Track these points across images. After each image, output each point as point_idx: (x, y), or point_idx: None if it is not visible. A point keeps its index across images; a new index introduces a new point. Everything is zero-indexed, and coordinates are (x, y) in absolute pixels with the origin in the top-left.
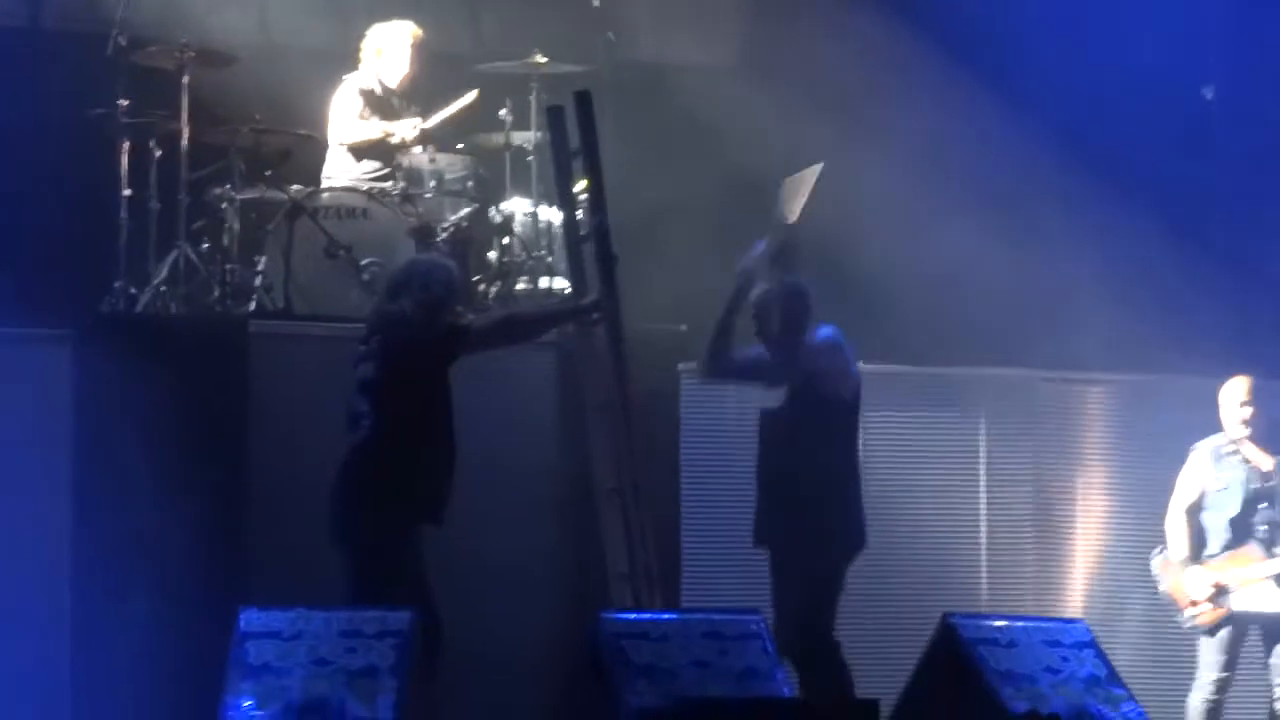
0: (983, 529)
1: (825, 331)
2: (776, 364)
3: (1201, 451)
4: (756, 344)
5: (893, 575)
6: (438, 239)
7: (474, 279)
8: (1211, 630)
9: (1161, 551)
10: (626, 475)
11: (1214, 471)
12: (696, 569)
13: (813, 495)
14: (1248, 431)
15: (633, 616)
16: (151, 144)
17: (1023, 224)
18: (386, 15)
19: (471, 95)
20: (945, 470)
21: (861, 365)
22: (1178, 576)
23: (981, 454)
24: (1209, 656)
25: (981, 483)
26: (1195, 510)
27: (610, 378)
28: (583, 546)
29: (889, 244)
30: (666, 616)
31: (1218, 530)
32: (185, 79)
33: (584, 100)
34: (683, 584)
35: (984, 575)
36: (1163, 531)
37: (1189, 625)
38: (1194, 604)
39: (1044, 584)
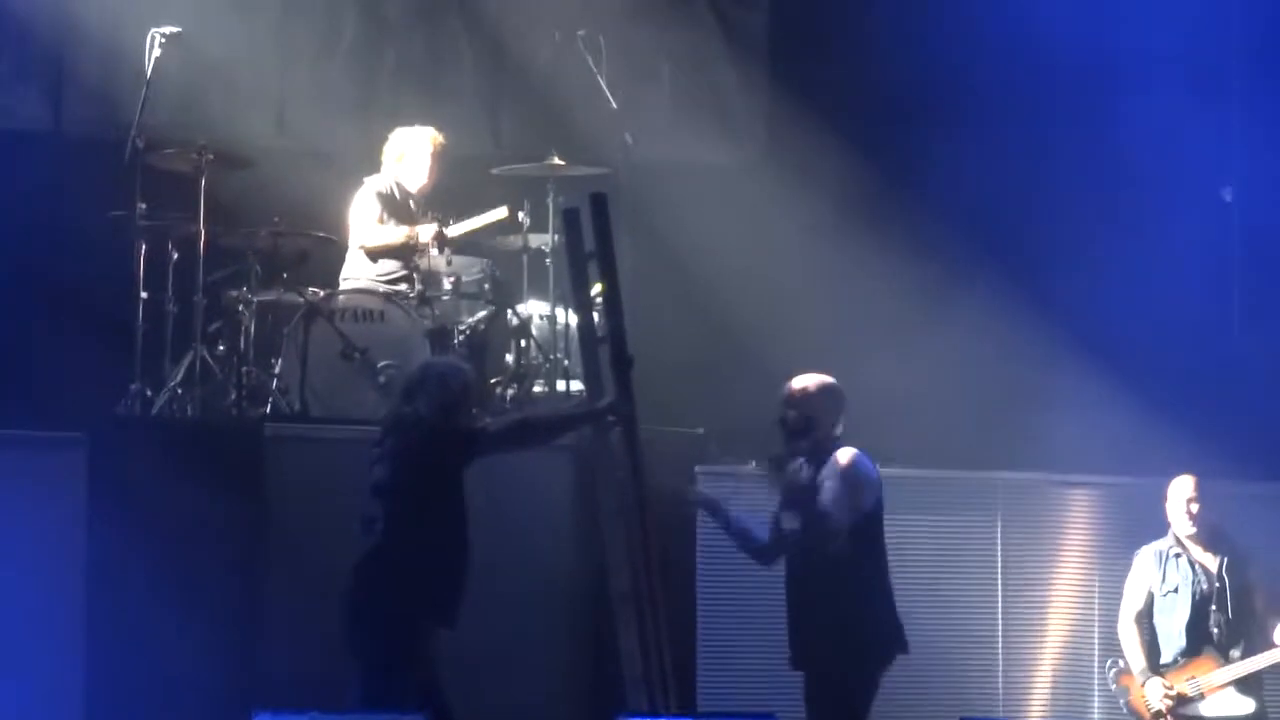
0: (999, 632)
1: (843, 455)
2: (799, 494)
3: (1145, 555)
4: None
5: (909, 679)
6: (454, 341)
7: (491, 381)
8: None
9: (1116, 664)
10: (642, 580)
11: (1159, 575)
12: (711, 672)
13: (844, 609)
14: (1194, 530)
15: None
16: (169, 246)
17: (1029, 326)
18: (407, 119)
19: (500, 213)
20: (962, 573)
21: (880, 469)
22: (1138, 689)
23: (998, 557)
24: None
25: (999, 586)
26: (1145, 616)
27: (626, 482)
28: (598, 649)
29: (895, 346)
30: None
31: (1170, 636)
32: (203, 181)
33: (599, 202)
34: (698, 687)
35: (1000, 679)
36: None
37: None
38: (1157, 716)
39: (1060, 688)
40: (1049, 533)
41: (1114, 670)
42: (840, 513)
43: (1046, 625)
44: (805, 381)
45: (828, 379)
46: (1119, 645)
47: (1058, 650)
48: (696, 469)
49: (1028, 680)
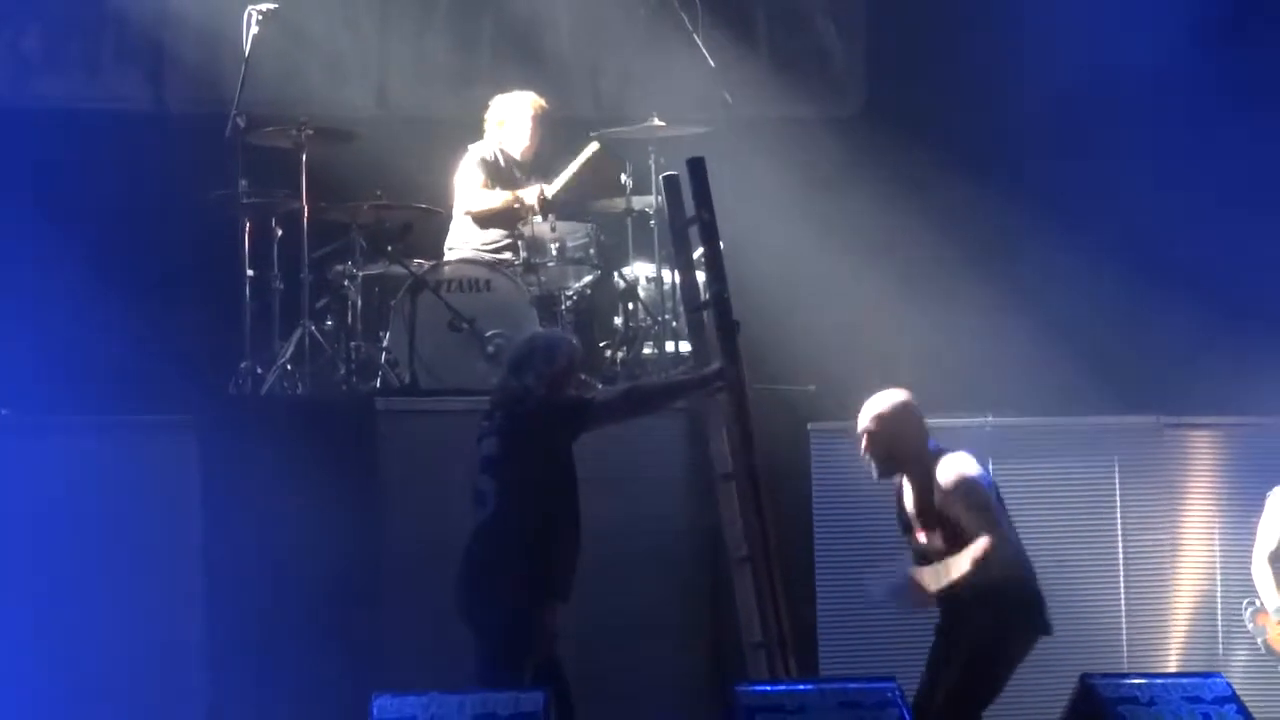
0: (1121, 581)
1: (947, 469)
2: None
3: (1277, 495)
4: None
5: None
6: (561, 307)
7: (600, 345)
8: None
9: (1252, 604)
10: (757, 543)
11: None
12: (832, 636)
13: (987, 591)
14: None
15: (768, 689)
16: (273, 223)
17: (1143, 269)
18: (507, 84)
19: (592, 148)
20: (1080, 521)
21: (990, 419)
22: (1275, 627)
23: (1117, 503)
24: None
25: (1119, 533)
26: (1278, 557)
27: (738, 445)
28: (716, 616)
29: (1001, 296)
30: (802, 687)
31: None
32: (304, 157)
33: (697, 167)
34: (819, 649)
35: (1124, 629)
36: None
37: None
38: None
39: (1185, 634)
40: (1168, 476)
41: (1250, 610)
42: (991, 527)
43: (1169, 571)
44: (876, 409)
45: (895, 397)
46: (1241, 589)
47: (1181, 596)
48: (810, 426)
49: (1152, 628)
